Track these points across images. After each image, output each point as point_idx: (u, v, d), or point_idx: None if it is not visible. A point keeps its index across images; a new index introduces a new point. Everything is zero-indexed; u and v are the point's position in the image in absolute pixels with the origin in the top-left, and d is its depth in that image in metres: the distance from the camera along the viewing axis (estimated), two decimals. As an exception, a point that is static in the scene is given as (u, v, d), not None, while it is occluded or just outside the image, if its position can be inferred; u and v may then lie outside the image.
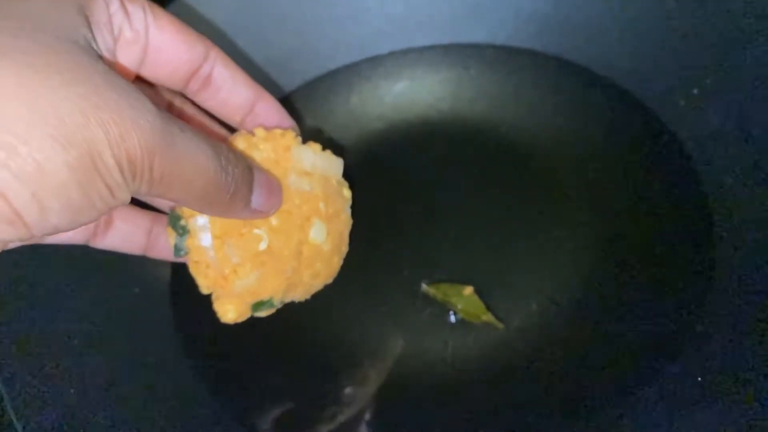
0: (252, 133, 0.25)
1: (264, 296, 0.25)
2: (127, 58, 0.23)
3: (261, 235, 0.24)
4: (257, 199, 0.23)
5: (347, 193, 0.27)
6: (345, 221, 0.27)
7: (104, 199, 0.16)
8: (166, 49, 0.23)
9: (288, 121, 0.27)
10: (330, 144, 0.29)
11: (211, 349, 0.32)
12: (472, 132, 0.37)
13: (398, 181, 0.36)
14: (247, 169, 0.22)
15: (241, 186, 0.21)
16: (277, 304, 0.26)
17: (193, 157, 0.19)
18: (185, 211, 0.24)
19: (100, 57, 0.19)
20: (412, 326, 0.32)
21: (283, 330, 0.30)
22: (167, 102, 0.27)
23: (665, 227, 0.32)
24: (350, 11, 0.38)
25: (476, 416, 0.29)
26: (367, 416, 0.30)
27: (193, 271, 0.25)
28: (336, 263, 0.27)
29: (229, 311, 0.25)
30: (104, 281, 0.32)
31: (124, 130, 0.16)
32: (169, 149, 0.18)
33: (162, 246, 0.27)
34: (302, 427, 0.30)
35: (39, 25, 0.16)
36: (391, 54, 0.40)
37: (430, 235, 0.34)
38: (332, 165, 0.26)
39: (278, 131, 0.25)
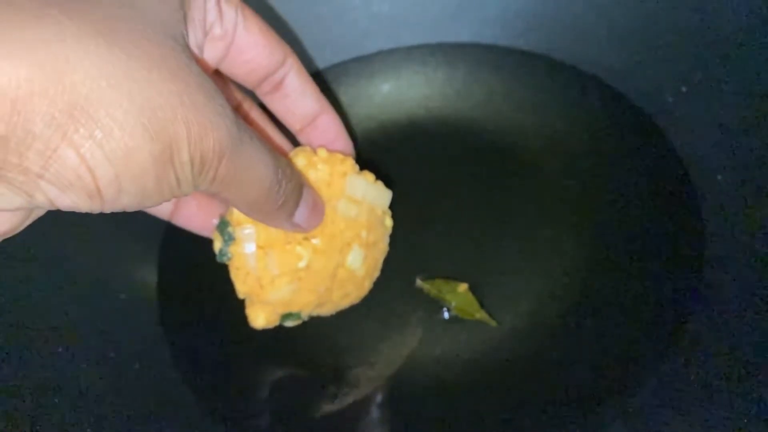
0: (314, 151, 0.26)
1: (294, 309, 0.27)
2: (211, 53, 0.23)
3: (302, 253, 0.25)
4: (300, 215, 0.24)
5: (389, 222, 0.28)
6: (382, 249, 0.29)
7: (172, 189, 0.18)
8: (248, 50, 0.24)
9: (344, 139, 0.29)
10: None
11: (199, 355, 0.32)
12: (461, 131, 0.37)
13: (387, 181, 0.36)
14: (298, 186, 0.23)
15: (289, 200, 0.23)
16: (304, 317, 0.28)
17: (255, 166, 0.20)
18: (234, 218, 0.25)
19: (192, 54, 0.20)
20: (405, 322, 0.31)
21: (272, 331, 0.29)
22: (237, 102, 0.28)
23: (655, 225, 0.32)
24: (336, 11, 0.38)
25: (466, 415, 0.29)
26: (358, 413, 0.29)
27: (233, 276, 0.26)
28: (366, 287, 0.29)
29: (260, 318, 0.27)
30: (89, 287, 0.32)
31: (204, 131, 0.17)
32: (237, 154, 0.19)
33: (187, 214, 0.28)
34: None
35: (147, 18, 0.17)
36: (379, 53, 0.40)
37: (420, 234, 0.34)
38: (381, 196, 0.28)
39: (339, 156, 0.26)
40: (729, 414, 0.25)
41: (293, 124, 0.28)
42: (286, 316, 0.27)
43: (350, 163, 0.26)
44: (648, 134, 0.35)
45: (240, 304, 0.28)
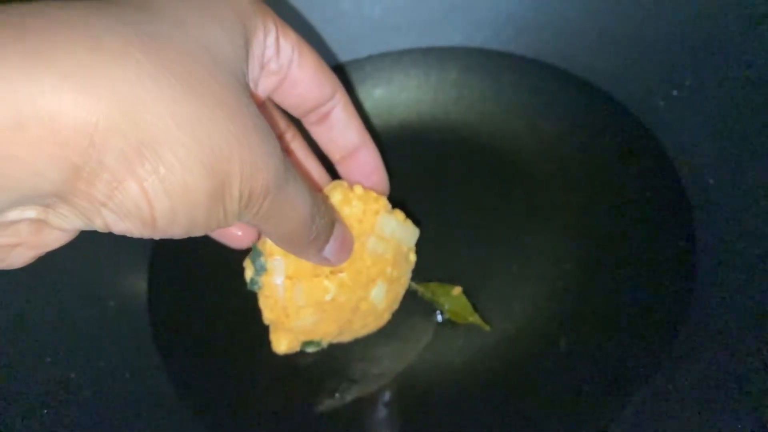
0: (351, 187, 0.27)
1: (316, 337, 0.29)
2: (264, 85, 0.24)
3: (329, 287, 0.27)
4: (330, 250, 0.25)
5: (413, 257, 0.29)
6: (404, 284, 0.30)
7: (218, 222, 0.19)
8: (300, 84, 0.25)
9: (381, 174, 0.29)
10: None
11: (190, 363, 0.31)
12: (452, 135, 0.37)
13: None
14: (330, 222, 0.25)
15: (321, 235, 0.24)
16: (324, 345, 0.30)
17: (294, 204, 0.21)
18: (266, 249, 0.26)
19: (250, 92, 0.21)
20: (399, 324, 0.31)
21: (263, 336, 0.29)
22: (281, 132, 0.29)
23: (647, 229, 0.32)
24: (327, 15, 0.38)
25: (457, 419, 0.29)
26: (353, 415, 0.29)
27: (262, 303, 0.27)
28: (385, 318, 0.30)
29: (282, 344, 0.28)
30: (77, 294, 0.31)
31: (255, 170, 0.18)
32: (280, 193, 0.20)
33: (228, 232, 0.29)
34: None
35: (214, 57, 0.18)
36: (369, 58, 0.40)
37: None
38: (409, 234, 0.29)
39: (374, 195, 0.27)
40: (722, 424, 0.25)
41: (334, 154, 0.29)
42: (308, 343, 0.29)
43: (383, 203, 0.27)
44: (639, 138, 0.35)
45: (232, 311, 0.29)
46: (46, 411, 0.27)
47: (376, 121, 0.38)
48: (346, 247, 0.26)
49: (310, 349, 0.29)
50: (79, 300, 0.31)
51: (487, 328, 0.30)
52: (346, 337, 0.30)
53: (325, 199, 0.26)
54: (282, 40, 0.24)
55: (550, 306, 0.31)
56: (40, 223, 0.17)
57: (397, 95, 0.39)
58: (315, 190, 0.24)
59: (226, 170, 0.18)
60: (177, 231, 0.18)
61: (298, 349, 0.29)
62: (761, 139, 0.30)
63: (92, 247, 0.32)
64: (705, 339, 0.28)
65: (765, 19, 0.30)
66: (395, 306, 0.30)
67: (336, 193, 0.26)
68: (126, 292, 0.33)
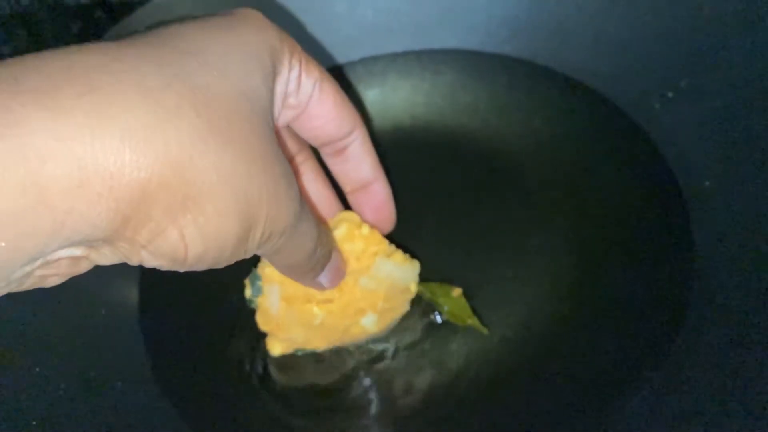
0: (358, 224, 0.28)
1: (308, 348, 0.30)
2: (282, 117, 0.25)
3: (318, 314, 0.28)
4: (324, 277, 0.26)
5: (414, 288, 0.30)
6: (400, 311, 0.31)
7: (237, 256, 0.20)
8: (318, 119, 0.26)
9: (389, 210, 0.30)
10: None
11: (181, 372, 0.31)
12: (447, 138, 0.37)
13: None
14: (329, 252, 0.26)
15: (319, 264, 0.25)
16: (318, 352, 0.31)
17: (303, 240, 0.23)
18: (265, 275, 0.28)
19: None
20: (396, 326, 0.31)
21: (256, 345, 0.29)
22: (291, 155, 0.29)
23: (643, 231, 0.32)
24: (321, 17, 0.38)
25: (454, 421, 0.28)
26: (347, 416, 0.29)
27: (258, 317, 0.29)
28: (381, 332, 0.31)
29: (276, 348, 0.30)
30: (67, 301, 0.31)
31: (278, 215, 0.20)
32: (293, 232, 0.21)
33: None
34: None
35: (250, 101, 0.19)
36: (362, 61, 0.40)
37: (408, 242, 0.33)
38: (407, 274, 0.30)
39: (378, 237, 0.29)
40: (721, 425, 0.25)
41: (345, 185, 0.30)
42: (300, 350, 0.31)
43: (384, 247, 0.29)
44: (635, 140, 0.35)
45: (222, 318, 0.29)
46: (35, 422, 0.27)
47: (370, 123, 0.38)
48: (340, 274, 0.28)
49: (303, 353, 0.31)
50: (69, 307, 0.31)
51: (485, 331, 0.30)
52: (341, 343, 0.31)
53: (328, 231, 0.27)
54: (304, 77, 0.24)
55: (548, 308, 0.31)
56: (80, 258, 0.18)
57: (391, 98, 0.39)
58: (320, 221, 0.25)
59: (255, 217, 0.19)
60: (202, 267, 0.19)
61: (291, 351, 0.30)
62: (757, 141, 0.30)
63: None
64: (704, 339, 0.28)
65: (761, 20, 0.30)
66: (392, 324, 0.31)
67: (343, 227, 0.28)
68: (117, 300, 0.32)
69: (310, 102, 0.25)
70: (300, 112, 0.25)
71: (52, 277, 0.18)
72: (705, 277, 0.30)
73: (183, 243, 0.18)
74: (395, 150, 0.37)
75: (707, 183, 0.32)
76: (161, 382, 0.30)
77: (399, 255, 0.29)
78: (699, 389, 0.27)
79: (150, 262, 0.18)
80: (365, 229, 0.28)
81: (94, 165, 0.15)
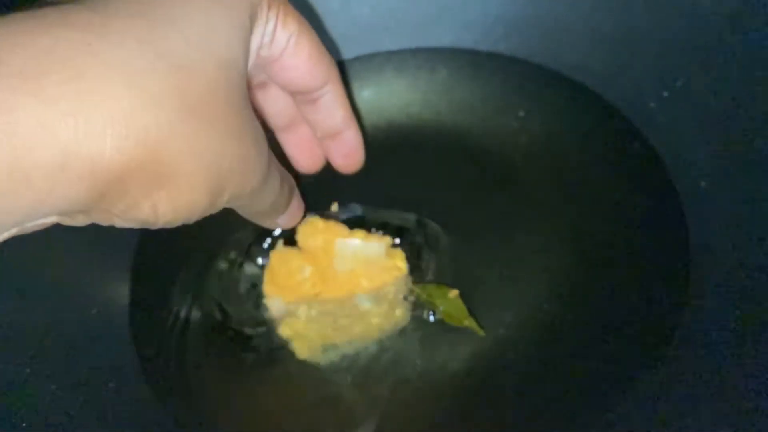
0: (317, 221, 0.31)
1: (327, 341, 0.31)
2: (250, 64, 0.24)
3: (309, 310, 0.31)
4: (283, 219, 0.28)
5: (401, 264, 0.31)
6: (396, 289, 0.31)
7: (206, 215, 0.20)
8: (289, 69, 0.26)
9: (357, 157, 0.31)
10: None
11: (172, 372, 0.31)
12: (442, 136, 0.37)
13: (369, 187, 0.35)
14: (288, 200, 0.27)
15: (278, 210, 0.26)
16: (345, 350, 0.31)
17: (266, 195, 0.24)
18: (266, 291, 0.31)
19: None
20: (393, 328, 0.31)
21: (246, 345, 0.29)
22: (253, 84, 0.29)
23: (639, 231, 0.32)
24: (315, 15, 0.37)
25: (451, 424, 0.28)
26: (342, 417, 0.29)
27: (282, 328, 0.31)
28: (399, 316, 0.31)
29: (304, 351, 0.31)
30: (58, 300, 0.31)
31: (246, 180, 0.21)
32: (260, 188, 0.22)
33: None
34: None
35: (226, 69, 0.20)
36: (358, 58, 0.40)
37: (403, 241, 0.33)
38: (375, 249, 0.31)
39: (332, 225, 0.31)
40: (719, 425, 0.25)
41: (316, 131, 0.30)
42: (327, 348, 0.31)
43: (339, 230, 0.31)
44: (630, 140, 0.34)
45: (214, 321, 0.28)
46: (24, 425, 0.27)
47: (364, 122, 0.38)
48: (298, 215, 0.29)
49: (330, 356, 0.31)
50: (60, 306, 0.31)
51: (481, 333, 0.30)
52: (366, 337, 0.31)
53: (289, 179, 0.27)
54: (279, 29, 0.24)
55: (544, 309, 0.30)
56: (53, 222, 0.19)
57: (386, 96, 0.39)
58: (283, 172, 0.26)
59: (224, 186, 0.20)
60: (171, 226, 0.20)
61: (320, 354, 0.31)
62: (753, 141, 0.30)
63: (74, 250, 0.32)
64: (700, 340, 0.28)
65: (756, 20, 0.30)
66: (401, 308, 0.31)
67: (307, 228, 0.31)
68: (109, 298, 0.32)
69: (284, 54, 0.25)
70: (272, 62, 0.25)
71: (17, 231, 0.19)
72: (701, 276, 0.30)
73: (155, 213, 0.19)
74: (389, 148, 0.37)
75: (703, 183, 0.32)
76: (152, 382, 0.30)
77: (360, 233, 0.31)
78: (695, 390, 0.27)
79: (121, 225, 0.19)
80: (319, 223, 0.31)
81: (76, 150, 0.16)
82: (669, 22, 0.33)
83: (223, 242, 0.34)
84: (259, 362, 0.31)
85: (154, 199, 0.18)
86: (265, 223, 0.28)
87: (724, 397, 0.26)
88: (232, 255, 0.33)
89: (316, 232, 0.31)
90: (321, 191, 0.34)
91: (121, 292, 0.33)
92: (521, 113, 0.37)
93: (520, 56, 0.38)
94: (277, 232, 0.33)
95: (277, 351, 0.31)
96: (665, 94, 0.34)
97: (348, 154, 0.31)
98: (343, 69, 0.40)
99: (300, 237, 0.31)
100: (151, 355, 0.31)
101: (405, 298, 0.31)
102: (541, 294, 0.31)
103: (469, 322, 0.30)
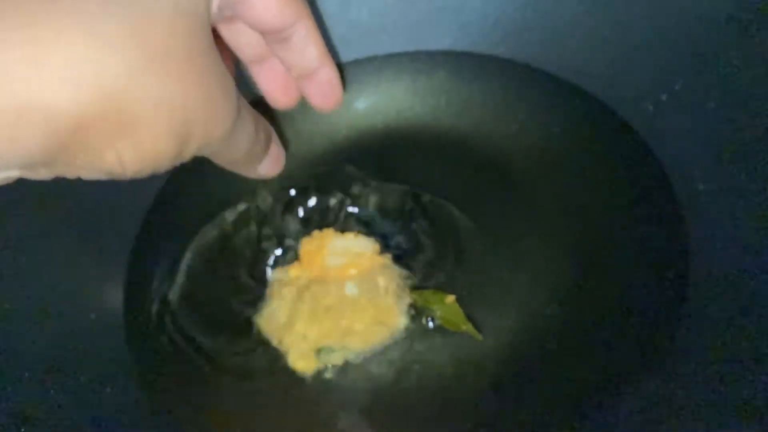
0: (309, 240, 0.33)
1: (321, 343, 0.31)
2: (218, 9, 0.24)
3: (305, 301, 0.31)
4: (263, 167, 0.27)
5: (382, 260, 0.32)
6: (386, 275, 0.32)
7: (176, 163, 0.20)
8: (255, 7, 0.25)
9: (335, 96, 0.30)
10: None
11: (168, 377, 0.31)
12: (440, 138, 0.37)
13: (367, 188, 0.35)
14: (266, 147, 0.27)
15: (255, 158, 0.26)
16: (338, 350, 0.31)
17: (240, 141, 0.23)
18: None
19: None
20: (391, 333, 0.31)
21: (242, 352, 0.29)
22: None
23: (638, 234, 0.32)
24: (313, 18, 0.37)
25: (450, 428, 0.28)
26: (337, 421, 0.29)
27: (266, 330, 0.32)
28: (396, 315, 0.31)
29: (299, 362, 0.31)
30: (56, 304, 0.31)
31: (214, 126, 0.20)
32: (230, 136, 0.22)
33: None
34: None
35: (188, 15, 0.19)
36: (356, 62, 0.40)
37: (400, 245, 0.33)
38: (362, 246, 0.32)
39: (329, 233, 0.33)
40: (718, 427, 0.25)
41: (291, 71, 0.29)
42: (322, 351, 0.31)
43: (332, 233, 0.33)
44: (628, 143, 0.34)
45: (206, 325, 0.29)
46: (24, 429, 0.27)
47: (362, 124, 0.38)
48: (279, 163, 0.29)
49: (329, 359, 0.31)
50: (58, 310, 0.31)
51: (479, 337, 0.30)
52: (358, 341, 0.31)
53: (265, 124, 0.27)
54: None
55: (543, 312, 0.30)
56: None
57: (384, 99, 0.39)
58: (257, 117, 0.25)
59: (191, 133, 0.19)
60: (141, 177, 0.20)
61: (315, 362, 0.31)
62: (750, 144, 0.30)
63: (71, 253, 0.32)
64: (699, 342, 0.28)
65: (754, 24, 0.30)
66: (398, 308, 0.31)
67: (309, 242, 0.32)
68: (107, 303, 0.32)
69: None
70: (237, 1, 0.24)
71: None
72: (699, 279, 0.30)
73: (120, 163, 0.18)
74: (388, 151, 0.37)
75: (701, 186, 0.32)
76: (148, 388, 0.30)
77: (350, 234, 0.32)
78: (696, 391, 0.27)
79: (88, 177, 0.19)
80: (316, 233, 0.33)
81: (32, 99, 0.16)
82: (667, 25, 0.33)
83: (222, 252, 0.34)
84: (256, 370, 0.31)
85: (118, 148, 0.18)
86: (246, 172, 0.27)
87: (725, 397, 0.26)
88: (232, 262, 0.34)
89: (313, 239, 0.32)
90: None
91: (116, 297, 0.33)
92: (520, 116, 0.37)
93: (518, 59, 0.38)
94: (279, 251, 0.34)
95: (275, 358, 0.31)
96: (663, 97, 0.34)
97: (325, 93, 0.30)
98: (341, 72, 0.40)
99: (302, 251, 0.33)
100: (147, 361, 0.31)
101: (403, 303, 0.31)
102: (540, 297, 0.31)
103: (467, 327, 0.30)
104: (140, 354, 0.31)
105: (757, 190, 0.30)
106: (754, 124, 0.30)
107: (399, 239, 0.33)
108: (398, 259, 0.32)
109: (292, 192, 0.35)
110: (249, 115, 0.24)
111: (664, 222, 0.32)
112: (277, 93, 0.31)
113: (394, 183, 0.35)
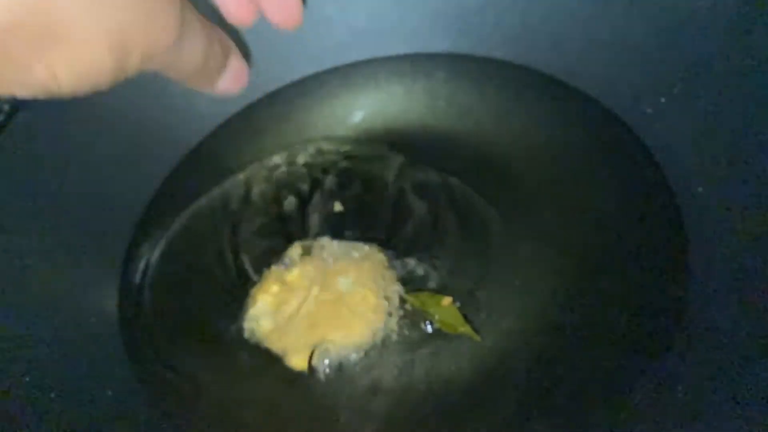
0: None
1: (313, 340, 0.31)
2: None
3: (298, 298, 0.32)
4: (223, 83, 0.26)
5: (379, 261, 0.33)
6: (379, 270, 0.32)
7: (119, 79, 0.19)
8: None
9: (294, 10, 0.30)
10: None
11: (166, 378, 0.31)
12: (439, 141, 0.37)
13: (366, 189, 0.35)
14: (223, 60, 0.26)
15: (213, 72, 0.25)
16: (334, 348, 0.31)
17: (191, 54, 0.22)
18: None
19: None
20: (387, 334, 0.31)
21: (238, 354, 0.29)
22: None
23: (637, 237, 0.32)
24: (312, 22, 0.37)
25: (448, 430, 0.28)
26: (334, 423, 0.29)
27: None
28: (390, 315, 0.31)
29: (295, 360, 0.31)
30: (56, 309, 0.31)
31: (156, 37, 0.19)
32: (178, 46, 0.21)
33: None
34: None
35: None
36: (355, 65, 0.40)
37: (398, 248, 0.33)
38: (358, 247, 0.33)
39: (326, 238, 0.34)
40: (719, 427, 0.25)
41: None
42: (319, 354, 0.31)
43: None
44: (628, 145, 0.34)
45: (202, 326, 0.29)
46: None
47: (362, 127, 0.38)
48: (240, 78, 0.27)
49: (323, 358, 0.30)
50: (59, 314, 0.31)
51: (478, 339, 0.30)
52: (352, 334, 0.31)
53: (221, 36, 0.26)
54: None
55: (542, 314, 0.30)
56: None
57: (383, 102, 0.39)
58: (210, 28, 0.24)
59: (129, 43, 0.19)
60: (80, 93, 0.19)
61: (312, 360, 0.30)
62: (750, 147, 0.30)
63: (69, 256, 0.32)
64: (700, 343, 0.28)
65: (753, 27, 0.30)
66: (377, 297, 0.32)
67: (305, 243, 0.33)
68: (107, 308, 0.32)
69: None
70: None
71: None
72: (700, 282, 0.30)
73: (54, 79, 0.18)
74: (387, 153, 0.36)
75: (700, 188, 0.31)
76: (148, 389, 0.30)
77: (346, 240, 0.33)
78: (696, 391, 0.26)
79: (23, 94, 0.18)
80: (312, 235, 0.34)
81: None
82: (666, 28, 0.33)
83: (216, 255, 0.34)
84: (254, 370, 0.31)
85: (48, 61, 0.17)
86: (205, 87, 0.26)
87: (726, 396, 0.26)
88: (228, 265, 0.34)
89: (309, 241, 0.33)
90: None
91: (113, 301, 0.33)
92: (519, 119, 0.37)
93: (517, 62, 0.38)
94: (277, 252, 0.33)
95: (272, 359, 0.31)
96: (663, 100, 0.34)
97: (282, 8, 0.29)
98: (340, 75, 0.40)
99: (298, 252, 0.33)
100: (146, 362, 0.31)
101: (399, 303, 0.31)
102: (539, 299, 0.31)
103: (464, 329, 0.30)
104: (140, 357, 0.31)
105: (756, 191, 0.29)
106: (753, 127, 0.30)
107: (396, 242, 0.33)
108: (395, 260, 0.32)
109: (292, 197, 0.35)
110: (199, 24, 0.22)
111: (664, 222, 0.32)
112: (231, 6, 0.29)
113: (393, 183, 0.35)
